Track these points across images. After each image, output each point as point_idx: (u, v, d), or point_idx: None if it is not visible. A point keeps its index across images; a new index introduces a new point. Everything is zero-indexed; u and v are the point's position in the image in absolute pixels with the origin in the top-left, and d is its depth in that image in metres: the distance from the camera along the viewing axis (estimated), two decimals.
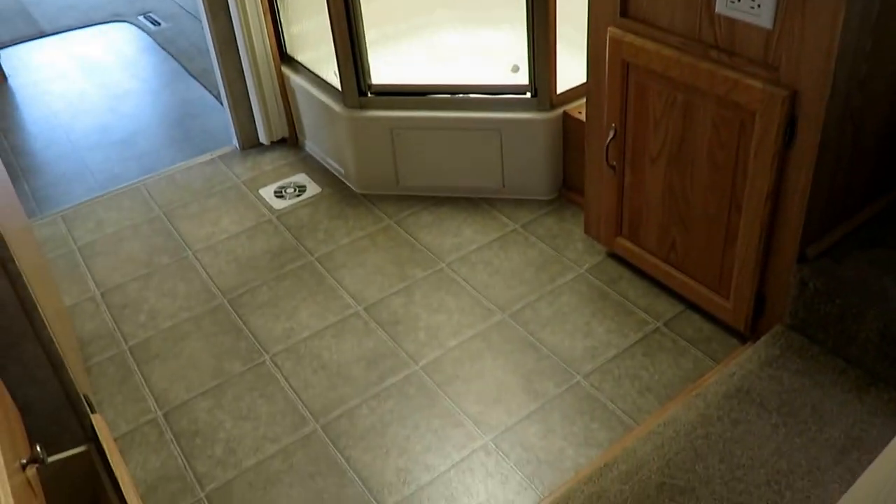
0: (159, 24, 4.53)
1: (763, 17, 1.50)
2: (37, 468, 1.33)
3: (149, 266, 2.38)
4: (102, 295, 2.29)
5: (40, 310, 1.43)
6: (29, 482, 1.21)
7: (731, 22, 1.56)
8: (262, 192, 2.64)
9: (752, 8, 1.50)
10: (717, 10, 1.57)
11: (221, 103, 2.83)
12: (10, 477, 0.98)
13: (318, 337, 2.07)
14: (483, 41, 2.86)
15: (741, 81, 1.58)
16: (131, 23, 4.58)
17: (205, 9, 2.59)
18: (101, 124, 3.28)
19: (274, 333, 2.09)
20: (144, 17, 4.65)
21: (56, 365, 1.50)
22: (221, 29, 2.63)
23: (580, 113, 2.26)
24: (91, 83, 3.70)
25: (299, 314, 2.15)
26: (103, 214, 2.62)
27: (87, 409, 1.60)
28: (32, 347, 1.45)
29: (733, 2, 1.53)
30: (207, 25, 2.63)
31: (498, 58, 2.64)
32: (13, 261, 1.34)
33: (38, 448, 1.22)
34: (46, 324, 1.45)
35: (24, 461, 1.19)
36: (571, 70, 2.26)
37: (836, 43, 1.40)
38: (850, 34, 1.41)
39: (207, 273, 2.32)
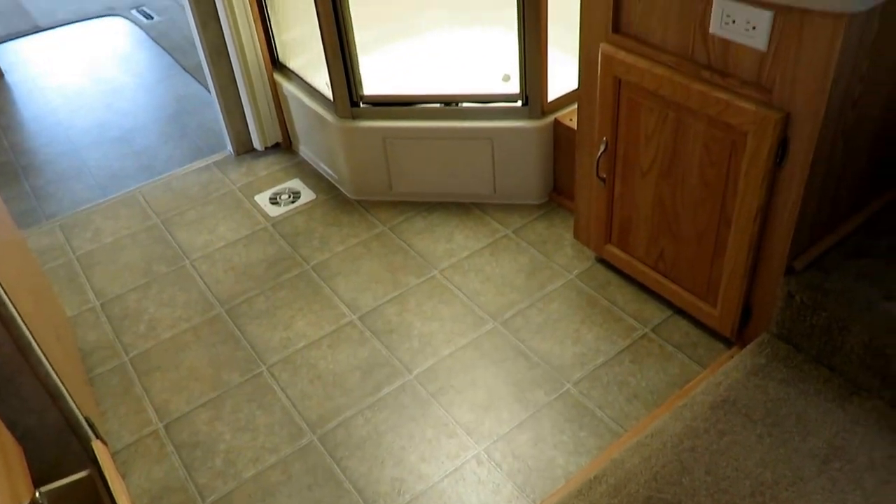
0: (152, 17, 4.39)
1: (758, 39, 1.41)
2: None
3: (147, 275, 2.27)
4: (102, 305, 2.18)
5: (35, 346, 1.33)
6: None
7: (725, 42, 1.47)
8: (257, 198, 2.53)
9: (747, 29, 1.41)
10: (710, 30, 1.48)
11: (215, 106, 2.71)
12: None
13: (314, 346, 1.98)
14: (475, 42, 2.75)
15: (733, 103, 1.49)
16: (124, 16, 4.43)
17: (194, 18, 2.45)
18: (98, 121, 3.16)
19: (271, 343, 2.01)
20: (137, 11, 4.50)
21: (55, 396, 1.41)
22: (212, 37, 2.50)
23: (571, 120, 2.16)
24: (87, 79, 3.57)
25: (296, 323, 2.06)
26: (101, 223, 2.50)
27: (89, 433, 1.52)
28: (30, 382, 1.35)
29: (728, 23, 1.44)
30: (197, 34, 2.50)
31: (489, 65, 2.54)
32: (4, 304, 1.24)
33: (38, 494, 1.13)
34: (43, 358, 1.35)
35: None
36: (563, 73, 2.17)
37: (832, 66, 1.32)
38: (847, 56, 1.33)
39: (205, 282, 2.22)
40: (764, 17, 1.37)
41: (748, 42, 1.42)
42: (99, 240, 2.43)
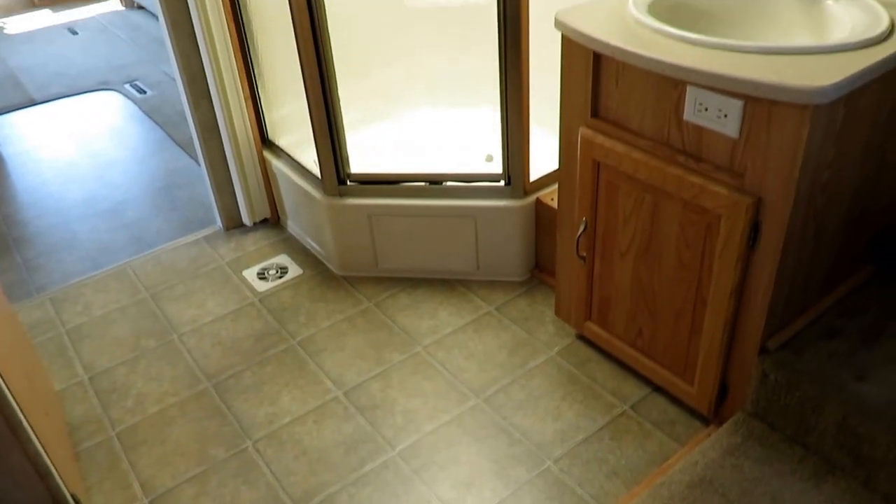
0: (145, 92, 4.45)
1: (729, 127, 1.45)
2: None
3: (136, 349, 2.25)
4: (90, 379, 2.15)
5: (26, 424, 1.32)
6: None
7: (699, 129, 1.51)
8: (245, 273, 2.54)
9: (719, 117, 1.46)
10: (685, 117, 1.53)
11: (205, 181, 2.74)
12: None
13: (299, 422, 1.97)
14: (459, 122, 2.81)
15: (707, 187, 1.53)
16: (118, 91, 4.49)
17: (187, 97, 2.50)
18: (89, 193, 3.17)
19: (257, 418, 1.99)
20: (130, 86, 4.56)
21: (43, 474, 1.39)
22: (204, 116, 2.55)
23: (552, 200, 2.21)
24: (80, 152, 3.60)
25: (281, 399, 2.04)
26: (91, 297, 2.49)
27: None
28: (19, 459, 1.33)
29: (700, 110, 1.49)
30: (190, 112, 2.55)
31: (473, 145, 2.60)
32: None
33: None
34: (32, 436, 1.34)
35: None
36: (545, 152, 2.22)
37: (800, 153, 1.36)
38: (814, 145, 1.37)
39: (192, 356, 2.21)
40: (735, 106, 1.42)
41: (720, 129, 1.47)
42: (89, 313, 2.42)
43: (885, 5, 1.52)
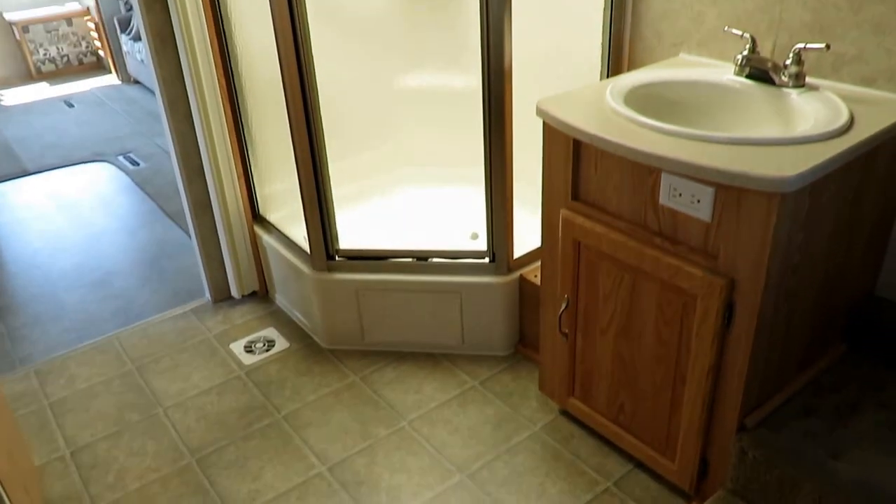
0: (138, 164, 4.53)
1: (702, 211, 1.52)
2: None
3: (119, 423, 2.25)
4: (72, 454, 2.14)
5: (6, 500, 1.32)
6: None
7: (674, 213, 1.58)
8: (232, 346, 2.56)
9: (692, 202, 1.53)
10: (660, 201, 1.60)
11: (196, 258, 2.78)
12: None
13: (282, 498, 1.96)
14: (446, 199, 2.89)
15: (683, 268, 1.59)
16: (111, 162, 4.57)
17: (181, 174, 2.58)
18: (78, 264, 3.20)
19: (239, 495, 1.97)
20: (124, 157, 4.64)
21: None
22: (197, 192, 2.61)
23: (535, 276, 2.27)
24: (70, 223, 3.65)
25: (265, 475, 2.04)
26: (75, 369, 2.50)
27: None
28: None
29: (675, 195, 1.56)
30: (183, 189, 2.61)
31: (459, 222, 2.67)
32: None
33: None
34: None
35: None
36: (529, 229, 2.29)
37: (769, 238, 1.42)
38: (782, 230, 1.44)
39: (177, 430, 2.21)
40: (707, 192, 1.49)
41: (694, 213, 1.54)
42: (73, 386, 2.42)
43: (844, 99, 1.62)
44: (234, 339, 2.60)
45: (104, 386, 2.42)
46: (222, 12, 2.40)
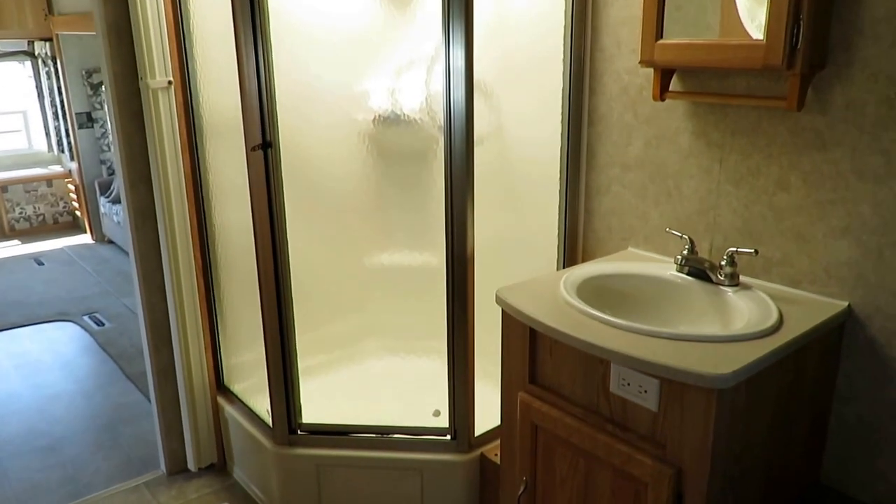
0: (103, 324, 4.56)
1: (649, 401, 1.62)
2: None
3: None
4: None
5: None
6: None
7: (624, 401, 1.67)
8: None
9: (640, 392, 1.63)
10: (611, 389, 1.69)
11: (154, 425, 2.79)
12: None
13: None
14: (409, 373, 2.96)
15: (634, 456, 1.66)
16: (76, 322, 4.59)
17: (148, 343, 2.64)
18: (28, 428, 3.16)
19: None
20: (89, 317, 4.68)
21: None
22: (162, 361, 2.67)
23: (496, 455, 2.31)
24: (26, 383, 3.62)
25: None
26: None
27: None
28: None
29: (624, 384, 1.66)
30: (148, 357, 2.67)
31: (422, 398, 2.73)
32: None
33: None
34: None
35: None
36: (492, 402, 2.35)
37: (711, 429, 1.51)
38: (723, 422, 1.53)
39: None
40: (653, 384, 1.59)
41: (642, 403, 1.63)
42: None
43: (775, 299, 1.79)
44: None
45: None
46: (203, 192, 2.57)
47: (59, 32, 5.93)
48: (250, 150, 2.11)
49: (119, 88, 2.41)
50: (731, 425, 1.57)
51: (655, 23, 1.90)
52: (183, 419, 2.73)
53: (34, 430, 3.15)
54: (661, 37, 1.90)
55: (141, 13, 2.32)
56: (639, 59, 1.96)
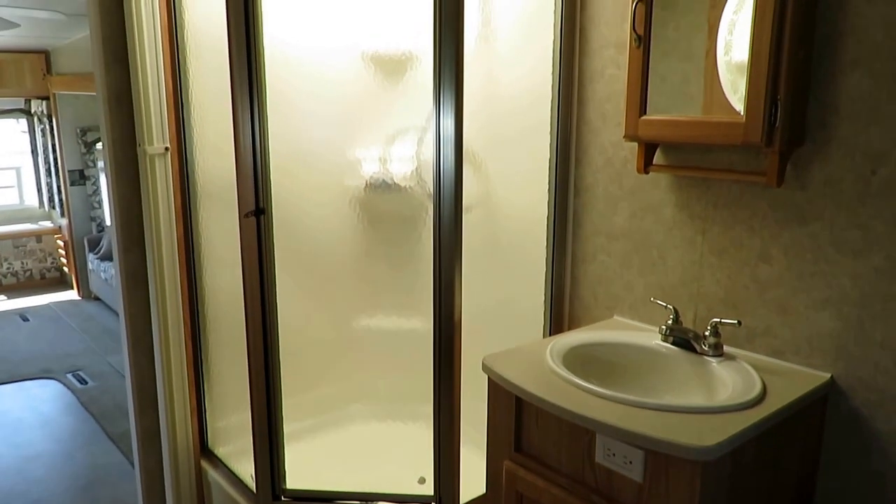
0: (86, 382, 4.51)
1: (635, 472, 1.62)
2: None
3: None
4: None
5: None
6: None
7: (609, 471, 1.67)
8: None
9: (625, 463, 1.63)
10: (596, 459, 1.70)
11: (136, 488, 2.75)
12: None
13: None
14: (396, 435, 2.94)
15: None
16: (59, 380, 4.55)
17: (134, 405, 2.62)
18: (7, 489, 3.10)
19: None
20: (73, 375, 4.63)
21: None
22: (147, 423, 2.65)
23: None
24: (5, 443, 3.57)
25: None
26: None
27: None
28: None
29: (609, 455, 1.66)
30: (134, 420, 2.65)
31: (407, 463, 2.71)
32: None
33: None
34: None
35: None
36: (478, 469, 2.33)
37: (696, 500, 1.51)
38: (708, 493, 1.52)
39: None
40: (638, 455, 1.60)
41: (627, 473, 1.63)
42: None
43: (758, 370, 1.81)
44: None
45: None
46: (195, 256, 2.59)
47: (56, 91, 6.02)
48: (244, 216, 2.14)
49: (117, 154, 2.45)
50: (716, 497, 1.57)
51: (639, 99, 1.97)
52: (165, 483, 2.69)
53: (12, 491, 3.10)
54: (645, 112, 1.97)
55: (142, 81, 2.38)
56: (623, 133, 2.02)
